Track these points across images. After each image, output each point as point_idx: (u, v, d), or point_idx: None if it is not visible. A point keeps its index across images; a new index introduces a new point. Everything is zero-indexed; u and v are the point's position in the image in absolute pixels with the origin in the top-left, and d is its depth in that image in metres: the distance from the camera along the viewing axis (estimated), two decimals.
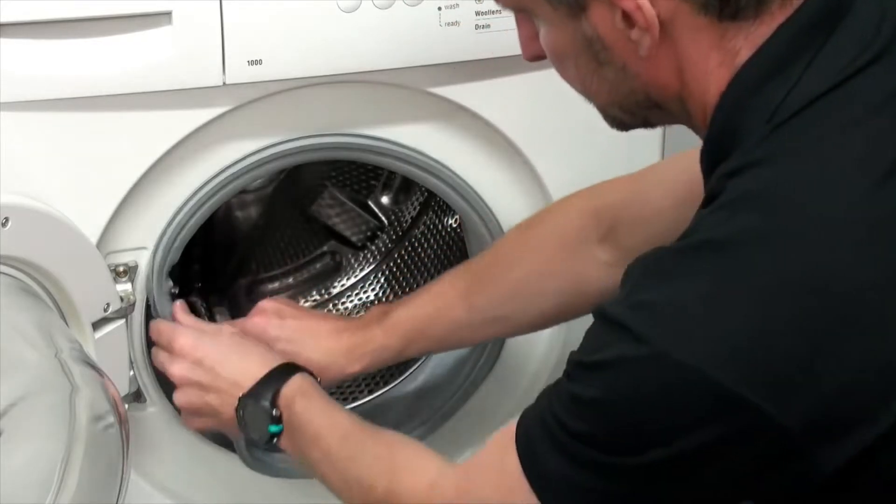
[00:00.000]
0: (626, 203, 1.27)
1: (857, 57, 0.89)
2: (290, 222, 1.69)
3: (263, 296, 1.60)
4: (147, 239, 1.29)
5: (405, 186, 1.65)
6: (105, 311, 1.26)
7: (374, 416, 1.46)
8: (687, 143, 1.12)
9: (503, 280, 1.31)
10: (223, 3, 1.19)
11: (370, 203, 1.67)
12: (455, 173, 1.39)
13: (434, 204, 1.62)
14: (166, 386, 1.37)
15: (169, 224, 1.29)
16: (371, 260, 1.67)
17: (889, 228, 0.85)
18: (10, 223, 1.14)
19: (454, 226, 1.60)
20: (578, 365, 0.91)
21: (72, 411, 1.10)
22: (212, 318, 1.59)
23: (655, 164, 1.25)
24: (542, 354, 1.51)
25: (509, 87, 1.34)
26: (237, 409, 1.23)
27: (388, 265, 1.67)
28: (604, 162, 1.31)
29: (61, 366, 1.11)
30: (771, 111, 0.89)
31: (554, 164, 1.40)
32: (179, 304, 1.33)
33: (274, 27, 1.22)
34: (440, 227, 1.62)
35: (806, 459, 0.85)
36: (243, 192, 1.59)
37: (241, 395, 1.22)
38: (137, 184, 1.25)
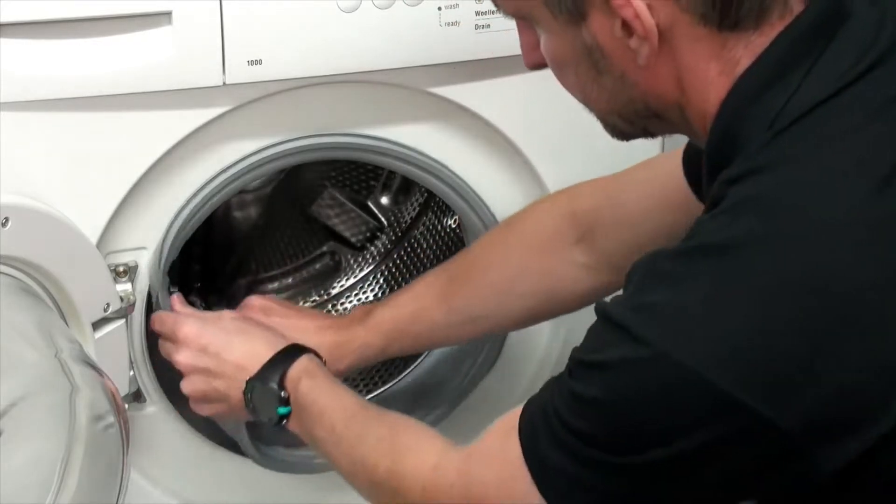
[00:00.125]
0: (603, 206, 1.28)
1: (857, 63, 0.89)
2: (289, 222, 1.69)
3: None
4: (147, 239, 1.29)
5: (405, 187, 1.65)
6: (105, 311, 1.27)
7: None
8: (686, 144, 1.12)
9: (480, 281, 1.33)
10: (223, 3, 1.19)
11: (370, 203, 1.67)
12: (455, 173, 1.40)
13: (433, 204, 1.62)
14: (166, 386, 1.37)
15: (174, 219, 1.29)
16: (370, 260, 1.67)
17: (890, 230, 0.85)
18: (10, 223, 1.14)
19: (453, 226, 1.60)
20: (580, 363, 0.91)
21: (72, 411, 1.10)
22: None
23: (633, 167, 1.25)
24: (542, 352, 1.52)
25: (509, 87, 1.34)
26: (245, 393, 1.24)
27: (387, 266, 1.67)
28: (604, 162, 1.31)
29: (61, 366, 1.11)
30: (771, 118, 0.89)
31: (554, 165, 1.40)
32: (177, 296, 1.34)
33: (274, 27, 1.22)
34: (439, 227, 1.62)
35: (806, 460, 0.85)
36: (243, 191, 1.59)
37: (248, 378, 1.23)
38: (137, 184, 1.25)
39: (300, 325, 1.36)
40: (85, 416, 1.10)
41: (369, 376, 1.57)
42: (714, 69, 0.92)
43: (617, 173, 1.27)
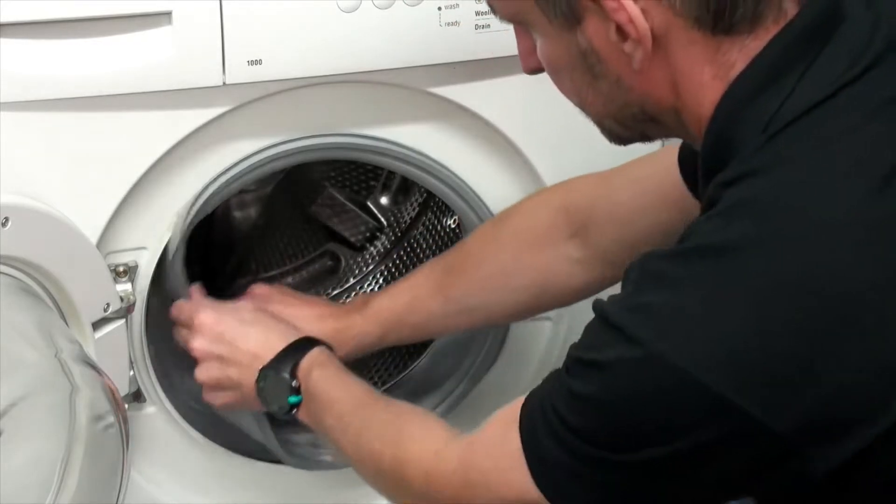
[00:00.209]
0: (598, 202, 1.28)
1: (852, 66, 0.90)
2: (289, 223, 1.69)
3: None
4: (147, 239, 1.29)
5: (404, 187, 1.65)
6: (105, 311, 1.27)
7: None
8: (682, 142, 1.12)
9: (474, 273, 1.34)
10: (223, 3, 1.19)
11: (369, 204, 1.67)
12: (454, 174, 1.40)
13: (433, 204, 1.62)
14: (166, 386, 1.37)
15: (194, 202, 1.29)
16: (370, 260, 1.67)
17: (889, 230, 0.85)
18: (10, 223, 1.14)
19: (453, 226, 1.60)
20: (578, 361, 0.92)
21: (72, 411, 1.10)
22: None
23: (629, 164, 1.26)
24: (543, 351, 1.52)
25: (509, 87, 1.34)
26: (257, 381, 1.26)
27: (387, 265, 1.67)
28: (603, 163, 1.30)
29: (61, 366, 1.11)
30: (765, 121, 0.90)
31: (554, 165, 1.40)
32: (198, 286, 1.36)
33: (274, 27, 1.22)
34: (439, 227, 1.62)
35: (802, 460, 0.85)
36: (243, 191, 1.59)
37: (261, 367, 1.25)
38: (137, 184, 1.25)
39: (300, 314, 1.37)
40: (85, 416, 1.10)
41: (368, 375, 1.57)
42: (708, 73, 0.92)
43: (612, 169, 1.28)
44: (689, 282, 0.87)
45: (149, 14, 1.18)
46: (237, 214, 1.66)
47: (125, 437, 1.14)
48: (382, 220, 1.67)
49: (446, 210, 1.58)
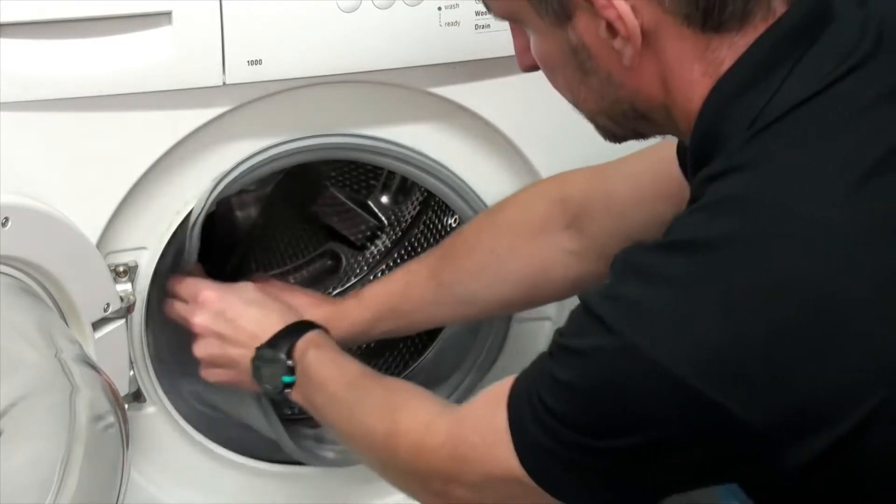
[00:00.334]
0: (593, 194, 1.29)
1: (840, 64, 0.90)
2: (289, 222, 1.69)
3: None
4: (147, 239, 1.29)
5: (404, 186, 1.65)
6: (105, 311, 1.27)
7: None
8: None
9: (468, 260, 1.34)
10: (223, 3, 1.19)
11: (370, 203, 1.67)
12: (454, 173, 1.40)
13: (433, 204, 1.62)
14: (166, 386, 1.37)
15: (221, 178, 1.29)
16: (371, 260, 1.67)
17: (869, 229, 0.85)
18: (10, 223, 1.14)
19: (453, 225, 1.60)
20: (561, 347, 0.93)
21: (72, 411, 1.10)
22: None
23: (624, 157, 1.26)
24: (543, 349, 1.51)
25: (509, 87, 1.34)
26: (254, 360, 1.28)
27: (387, 265, 1.67)
28: (604, 162, 1.30)
29: (61, 366, 1.11)
30: (752, 117, 0.90)
31: (554, 165, 1.40)
32: (198, 264, 1.36)
33: (274, 27, 1.22)
34: (439, 226, 1.62)
35: (774, 454, 0.86)
36: (243, 191, 1.59)
37: (258, 346, 1.27)
38: (137, 184, 1.25)
39: (296, 302, 1.39)
40: (85, 416, 1.10)
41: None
42: (698, 70, 0.93)
43: (609, 162, 1.28)
44: (667, 275, 0.87)
45: (149, 14, 1.18)
46: (238, 214, 1.66)
47: (125, 438, 1.14)
48: (383, 219, 1.67)
49: (447, 209, 1.58)
